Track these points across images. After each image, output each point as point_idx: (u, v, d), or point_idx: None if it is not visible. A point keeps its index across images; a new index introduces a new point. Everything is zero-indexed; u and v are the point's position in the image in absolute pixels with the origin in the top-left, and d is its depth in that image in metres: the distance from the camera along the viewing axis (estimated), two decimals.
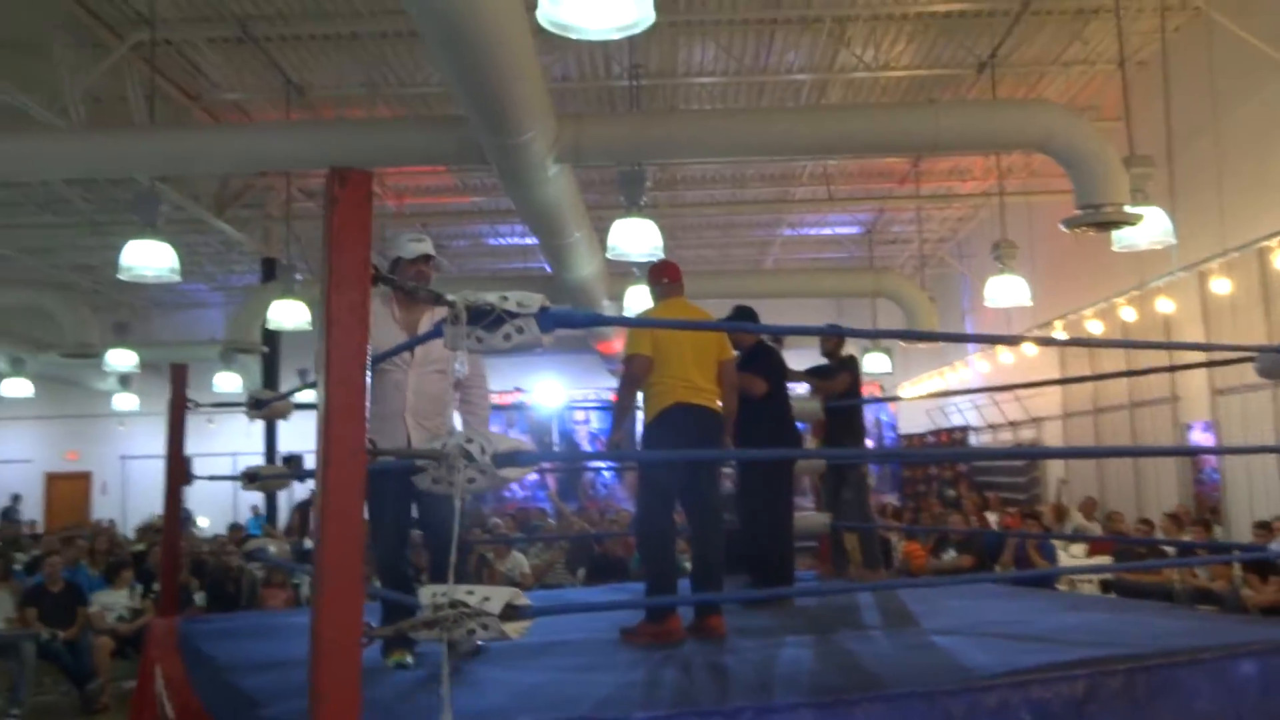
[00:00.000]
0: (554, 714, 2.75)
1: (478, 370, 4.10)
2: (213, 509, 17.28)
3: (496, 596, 2.55)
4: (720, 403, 4.72)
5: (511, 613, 2.54)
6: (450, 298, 2.66)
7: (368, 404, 2.29)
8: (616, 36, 3.52)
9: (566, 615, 4.92)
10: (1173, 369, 8.55)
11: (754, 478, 5.59)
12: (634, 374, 4.60)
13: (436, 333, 2.74)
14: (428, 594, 2.58)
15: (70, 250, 15.66)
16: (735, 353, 5.08)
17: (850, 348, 17.03)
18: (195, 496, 16.68)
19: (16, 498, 19.30)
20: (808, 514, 6.62)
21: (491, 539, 10.34)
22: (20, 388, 16.58)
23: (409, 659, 3.74)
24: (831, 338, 6.92)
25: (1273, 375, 4.28)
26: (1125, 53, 9.55)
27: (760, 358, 5.52)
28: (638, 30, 3.49)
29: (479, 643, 3.59)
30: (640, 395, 4.70)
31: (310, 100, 10.66)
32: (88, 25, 8.80)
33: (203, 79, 10.33)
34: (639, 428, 4.75)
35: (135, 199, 8.63)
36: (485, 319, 2.65)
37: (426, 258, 3.96)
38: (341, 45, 9.63)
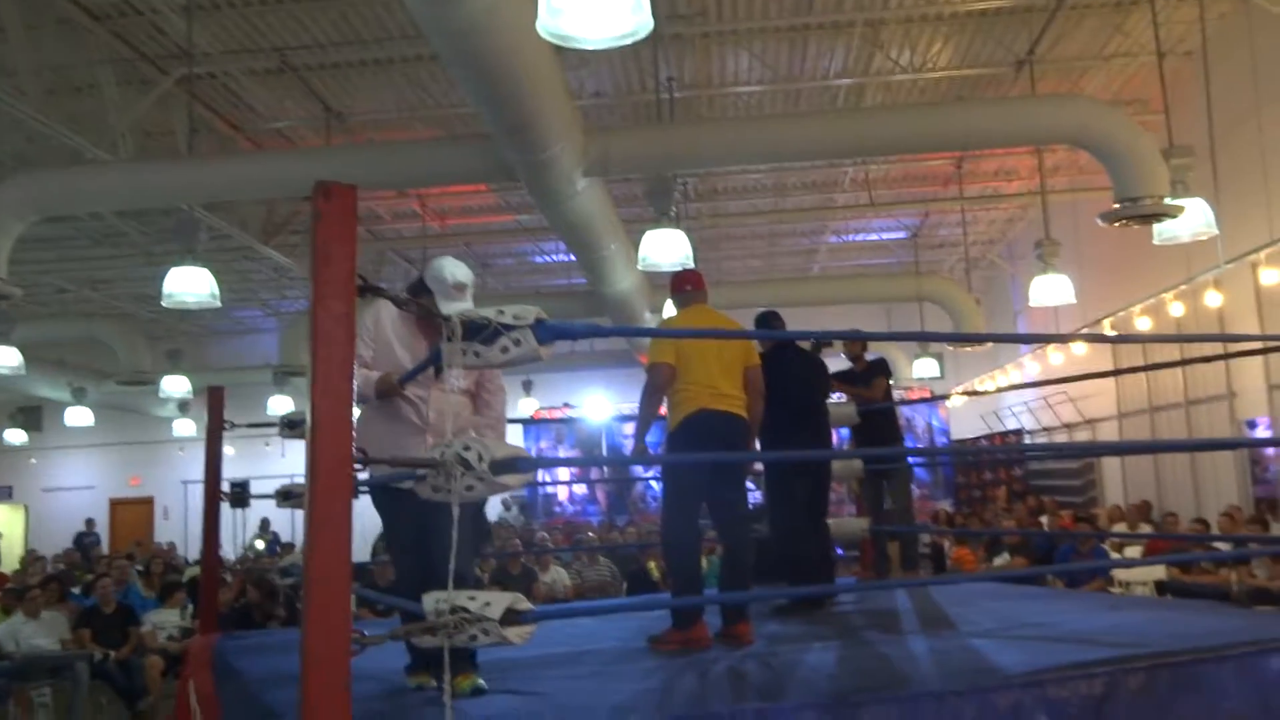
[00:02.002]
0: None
1: (495, 384, 4.06)
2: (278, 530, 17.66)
3: (497, 602, 2.55)
4: (747, 410, 4.69)
5: (513, 618, 2.55)
6: (445, 314, 2.69)
7: (354, 419, 2.30)
8: (617, 45, 3.53)
9: (598, 627, 4.92)
10: (1224, 357, 8.33)
11: (772, 484, 5.55)
12: (656, 383, 4.59)
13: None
14: (430, 600, 2.60)
15: (127, 281, 16.11)
16: None
17: (897, 351, 16.91)
18: (258, 516, 17.07)
19: (90, 522, 19.79)
20: (845, 520, 6.55)
21: (532, 550, 10.39)
22: (82, 416, 17.05)
23: (431, 683, 3.53)
24: (857, 343, 6.84)
25: None
26: (1168, 43, 9.40)
27: (767, 364, 5.44)
28: (638, 38, 3.50)
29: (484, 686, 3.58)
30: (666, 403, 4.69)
31: (350, 126, 10.84)
32: (131, 61, 9.05)
33: (245, 109, 10.56)
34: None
35: (175, 226, 8.84)
36: (482, 333, 2.67)
37: (460, 286, 3.72)
38: (377, 70, 9.79)
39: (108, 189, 8.59)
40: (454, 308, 3.52)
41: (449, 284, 3.68)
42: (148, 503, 21.09)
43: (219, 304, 8.82)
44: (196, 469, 6.05)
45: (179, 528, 19.86)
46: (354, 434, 3.67)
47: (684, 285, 4.98)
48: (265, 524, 17.45)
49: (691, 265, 8.02)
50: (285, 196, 11.58)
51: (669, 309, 11.87)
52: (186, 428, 18.92)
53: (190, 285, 8.28)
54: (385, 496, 3.67)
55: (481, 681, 3.36)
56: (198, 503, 5.63)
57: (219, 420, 5.57)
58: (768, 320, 5.80)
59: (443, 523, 3.25)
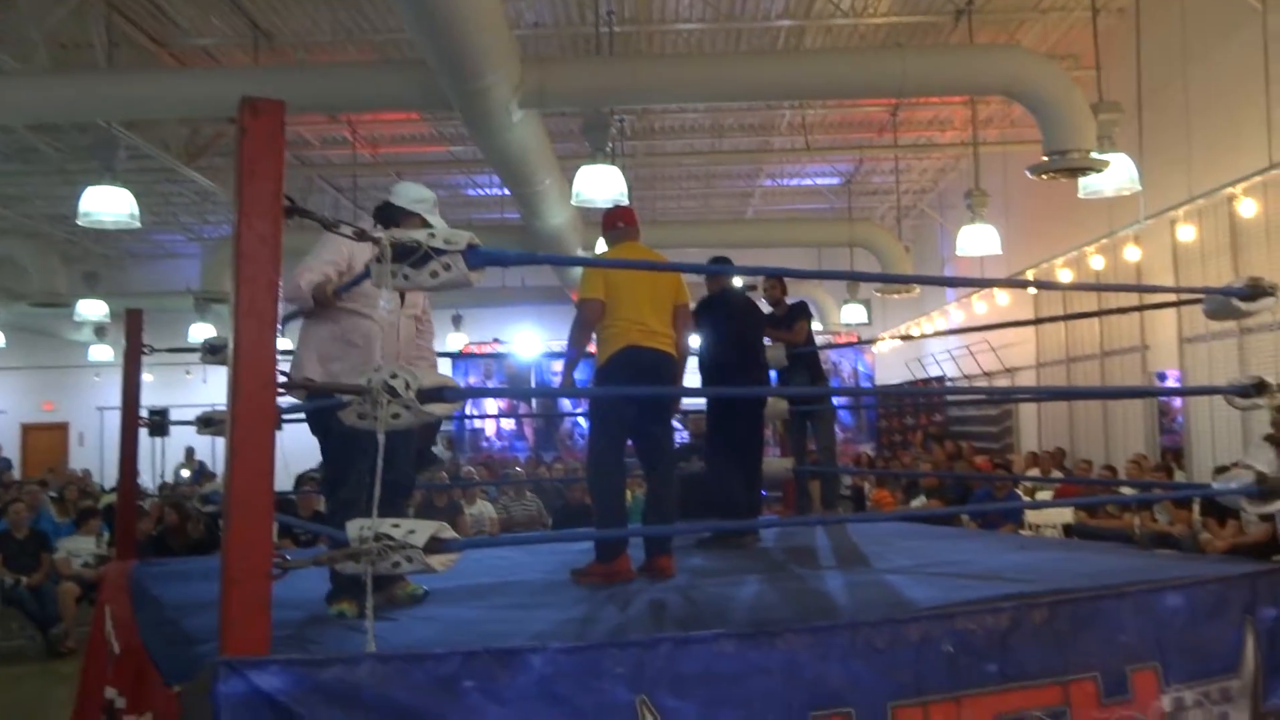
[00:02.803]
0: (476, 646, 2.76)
1: (428, 310, 4.06)
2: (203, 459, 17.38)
3: (422, 530, 2.56)
4: (676, 347, 4.71)
5: (436, 546, 2.56)
6: (376, 235, 2.65)
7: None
8: None
9: (524, 559, 4.95)
10: (1139, 309, 8.58)
11: (712, 423, 5.63)
12: (585, 318, 4.57)
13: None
14: (354, 527, 2.59)
15: (41, 200, 15.53)
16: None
17: (826, 296, 17.06)
18: (178, 447, 16.76)
19: None
20: (769, 460, 6.64)
21: (459, 484, 10.40)
22: None
23: (351, 611, 3.38)
24: (777, 286, 6.88)
25: (1219, 316, 4.30)
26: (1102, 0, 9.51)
27: (711, 306, 5.48)
28: None
29: (425, 589, 3.64)
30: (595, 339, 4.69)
31: (279, 46, 10.49)
32: None
33: (168, 24, 10.15)
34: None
35: (93, 144, 8.54)
36: (412, 256, 2.64)
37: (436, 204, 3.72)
38: None
39: (20, 101, 8.25)
40: (439, 223, 3.58)
41: (430, 201, 3.67)
42: (62, 428, 20.58)
43: (138, 225, 8.58)
44: (113, 395, 5.89)
45: (94, 455, 19.41)
46: (317, 362, 3.65)
47: (616, 222, 4.95)
48: (190, 453, 17.17)
49: (625, 203, 7.99)
50: (209, 117, 11.23)
51: (601, 246, 11.84)
52: (103, 353, 18.44)
53: (108, 205, 8.02)
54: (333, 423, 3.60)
55: (352, 611, 3.35)
56: (114, 430, 5.49)
57: (137, 345, 5.42)
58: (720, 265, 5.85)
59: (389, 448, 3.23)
